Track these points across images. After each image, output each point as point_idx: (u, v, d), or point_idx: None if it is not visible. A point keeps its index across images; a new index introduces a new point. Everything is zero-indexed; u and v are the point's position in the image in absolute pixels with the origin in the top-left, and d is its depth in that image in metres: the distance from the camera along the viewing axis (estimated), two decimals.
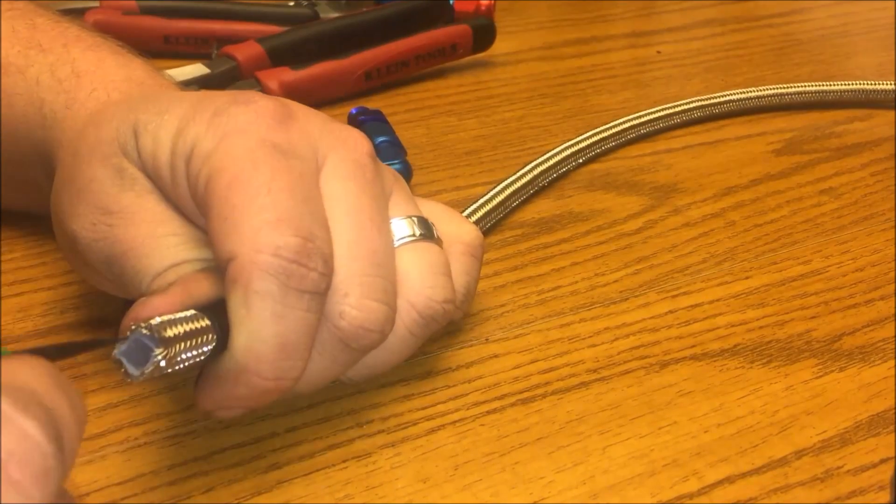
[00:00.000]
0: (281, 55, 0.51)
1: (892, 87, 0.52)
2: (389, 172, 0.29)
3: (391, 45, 0.52)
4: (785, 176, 0.46)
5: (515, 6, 0.67)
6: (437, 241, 0.29)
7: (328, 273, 0.24)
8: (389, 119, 0.45)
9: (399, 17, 0.56)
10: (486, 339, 0.33)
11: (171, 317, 0.22)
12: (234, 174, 0.24)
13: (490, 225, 0.39)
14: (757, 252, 0.39)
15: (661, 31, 0.67)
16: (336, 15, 0.60)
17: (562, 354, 0.32)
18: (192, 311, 0.23)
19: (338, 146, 0.27)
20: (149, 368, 0.21)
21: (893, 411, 0.31)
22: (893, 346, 0.34)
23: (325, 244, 0.25)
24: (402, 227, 0.28)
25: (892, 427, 0.30)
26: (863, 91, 0.53)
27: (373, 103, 0.50)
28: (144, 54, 0.33)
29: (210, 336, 0.23)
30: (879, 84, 0.53)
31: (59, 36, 0.32)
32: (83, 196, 0.27)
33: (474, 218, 0.38)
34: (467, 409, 0.30)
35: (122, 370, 0.21)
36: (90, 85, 0.30)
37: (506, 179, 0.41)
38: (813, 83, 0.53)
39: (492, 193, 0.40)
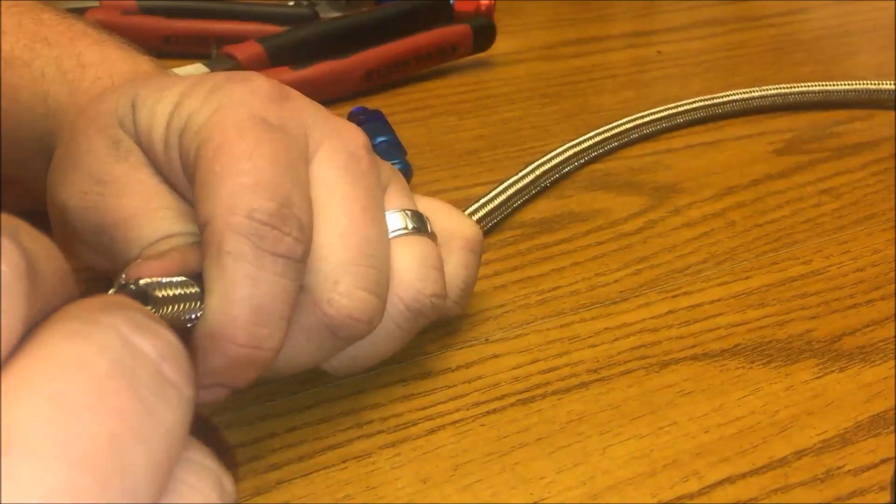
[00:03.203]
0: (281, 55, 0.51)
1: (893, 87, 0.52)
2: (386, 166, 0.29)
3: (391, 45, 0.52)
4: (785, 176, 0.46)
5: (515, 6, 0.67)
6: (431, 236, 0.28)
7: (304, 241, 0.24)
8: (389, 119, 0.45)
9: (399, 17, 0.56)
10: (486, 339, 0.33)
11: (162, 280, 0.22)
12: (220, 142, 0.24)
13: (490, 225, 0.39)
14: (757, 252, 0.39)
15: (661, 31, 0.67)
16: (336, 15, 0.60)
17: (562, 354, 0.32)
18: (183, 278, 0.23)
19: (332, 136, 0.27)
20: None
21: (894, 411, 0.31)
22: (894, 346, 0.34)
23: (304, 213, 0.24)
24: (394, 220, 0.28)
25: (892, 427, 0.30)
26: (864, 91, 0.53)
27: (373, 103, 0.50)
28: (149, 52, 0.33)
29: (198, 304, 0.23)
30: (881, 84, 0.53)
31: (66, 31, 0.32)
32: (77, 165, 0.27)
33: (475, 218, 0.38)
34: (467, 409, 0.30)
35: None
36: (95, 75, 0.30)
37: (507, 180, 0.41)
38: (814, 83, 0.53)
39: (493, 194, 0.39)
